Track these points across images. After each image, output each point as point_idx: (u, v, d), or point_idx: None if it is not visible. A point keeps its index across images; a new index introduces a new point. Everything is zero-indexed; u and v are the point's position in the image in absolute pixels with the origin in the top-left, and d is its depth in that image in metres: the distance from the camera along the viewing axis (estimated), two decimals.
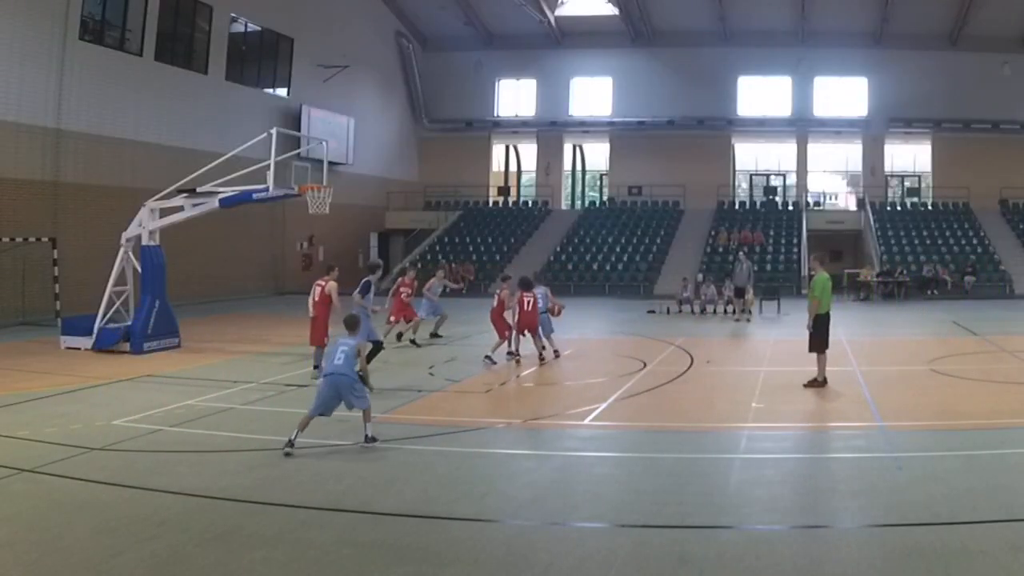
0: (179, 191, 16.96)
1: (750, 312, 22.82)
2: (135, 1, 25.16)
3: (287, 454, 8.55)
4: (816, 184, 40.18)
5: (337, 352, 8.92)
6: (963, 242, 33.24)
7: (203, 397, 11.71)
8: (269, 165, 16.06)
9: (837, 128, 38.98)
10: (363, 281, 13.29)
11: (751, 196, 40.35)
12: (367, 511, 6.90)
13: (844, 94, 38.76)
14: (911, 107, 37.09)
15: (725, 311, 23.84)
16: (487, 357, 14.66)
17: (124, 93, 24.74)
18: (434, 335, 18.19)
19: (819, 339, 12.29)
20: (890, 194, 38.99)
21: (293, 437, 8.66)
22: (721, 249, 33.33)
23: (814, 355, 12.30)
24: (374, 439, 8.90)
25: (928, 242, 33.37)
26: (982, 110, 36.30)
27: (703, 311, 24.24)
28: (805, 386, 12.09)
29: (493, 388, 12.70)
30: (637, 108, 39.54)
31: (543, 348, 15.14)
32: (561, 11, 38.70)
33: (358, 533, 6.46)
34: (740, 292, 23.17)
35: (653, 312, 24.50)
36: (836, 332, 18.74)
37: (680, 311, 24.37)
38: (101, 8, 24.34)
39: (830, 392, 11.92)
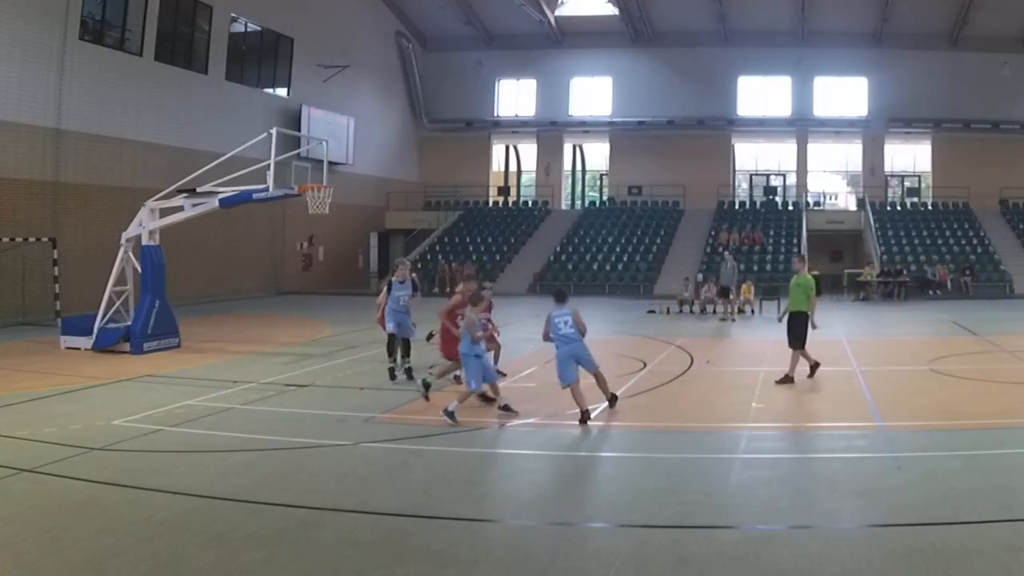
0: (179, 191, 16.95)
1: (737, 311, 22.79)
2: (135, 1, 25.15)
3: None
4: (816, 184, 40.20)
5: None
6: (963, 242, 33.21)
7: (203, 397, 11.70)
8: (269, 165, 16.04)
9: (837, 128, 38.98)
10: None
11: (751, 196, 40.33)
12: (367, 511, 6.89)
13: (844, 94, 38.78)
14: (911, 107, 37.10)
15: (726, 311, 23.82)
16: None
17: (124, 93, 24.74)
18: None
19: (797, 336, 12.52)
20: (890, 194, 38.99)
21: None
22: (721, 249, 33.32)
23: (813, 354, 12.37)
24: None
25: (928, 242, 33.35)
26: (982, 110, 36.30)
27: (703, 311, 24.24)
28: (777, 383, 12.23)
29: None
30: (637, 108, 39.54)
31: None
32: (561, 11, 38.72)
33: (358, 533, 6.45)
34: (725, 292, 23.23)
35: (653, 312, 24.49)
36: (836, 332, 18.80)
37: (681, 311, 24.37)
38: (101, 8, 24.33)
39: (830, 392, 11.93)
